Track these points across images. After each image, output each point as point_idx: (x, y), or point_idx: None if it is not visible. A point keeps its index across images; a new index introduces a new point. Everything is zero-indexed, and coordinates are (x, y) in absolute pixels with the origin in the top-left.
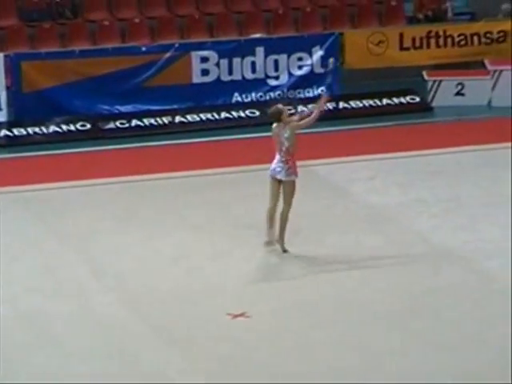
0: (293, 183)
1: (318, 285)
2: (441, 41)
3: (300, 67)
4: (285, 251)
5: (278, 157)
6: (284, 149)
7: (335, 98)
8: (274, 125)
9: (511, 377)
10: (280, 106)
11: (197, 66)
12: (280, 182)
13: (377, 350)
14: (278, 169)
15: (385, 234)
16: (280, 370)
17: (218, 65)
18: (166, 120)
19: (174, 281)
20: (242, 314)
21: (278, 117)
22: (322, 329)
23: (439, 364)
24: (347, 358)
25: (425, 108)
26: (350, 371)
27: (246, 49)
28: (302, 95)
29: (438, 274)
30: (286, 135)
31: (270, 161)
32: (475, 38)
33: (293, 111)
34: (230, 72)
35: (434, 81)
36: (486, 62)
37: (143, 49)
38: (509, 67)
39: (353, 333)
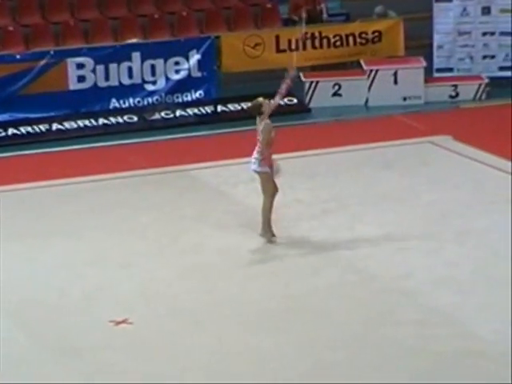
0: (266, 174)
1: (195, 289)
2: (316, 42)
3: (177, 71)
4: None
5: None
6: (259, 141)
7: (213, 102)
8: (257, 118)
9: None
10: (260, 99)
11: (73, 73)
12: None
13: (259, 352)
14: (253, 160)
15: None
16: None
17: (94, 71)
18: (43, 128)
19: (55, 290)
20: (124, 321)
21: (258, 110)
22: (202, 333)
23: (316, 363)
24: (227, 361)
25: (302, 109)
26: (231, 374)
27: (122, 54)
28: (179, 100)
29: (317, 274)
30: (261, 128)
31: (149, 166)
32: (350, 39)
33: None
34: (107, 78)
35: (311, 82)
36: (362, 62)
37: (18, 57)
38: (384, 67)
39: (233, 335)
